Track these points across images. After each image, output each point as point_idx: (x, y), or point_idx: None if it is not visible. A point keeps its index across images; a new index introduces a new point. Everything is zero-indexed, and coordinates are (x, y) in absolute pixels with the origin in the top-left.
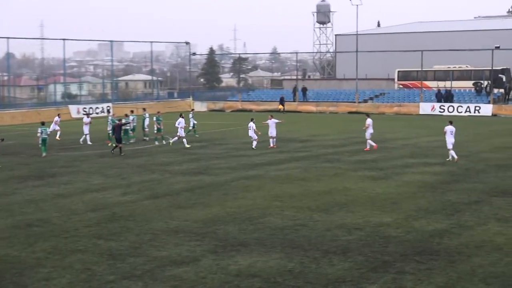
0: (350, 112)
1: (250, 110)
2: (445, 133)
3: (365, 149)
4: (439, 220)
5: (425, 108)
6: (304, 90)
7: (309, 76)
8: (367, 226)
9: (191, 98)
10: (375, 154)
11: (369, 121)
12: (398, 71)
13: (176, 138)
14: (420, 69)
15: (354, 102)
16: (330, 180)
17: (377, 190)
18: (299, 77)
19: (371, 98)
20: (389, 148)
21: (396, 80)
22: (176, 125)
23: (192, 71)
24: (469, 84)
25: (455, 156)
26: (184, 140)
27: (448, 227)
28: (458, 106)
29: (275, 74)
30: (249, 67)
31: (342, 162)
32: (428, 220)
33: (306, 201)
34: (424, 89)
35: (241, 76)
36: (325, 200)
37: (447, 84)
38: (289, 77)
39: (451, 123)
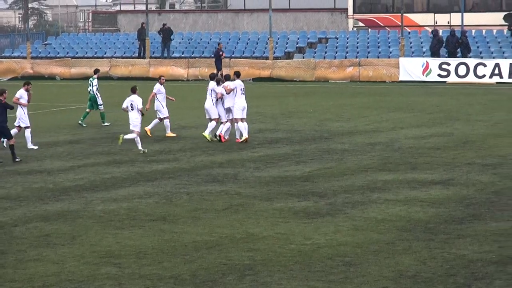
0: (257, 79)
1: (53, 78)
2: (229, 92)
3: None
4: None
5: (411, 68)
6: (166, 33)
7: (172, 6)
8: None
9: None
10: (310, 164)
11: (236, 83)
12: None
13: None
14: None
15: (266, 59)
16: (219, 219)
17: (314, 238)
18: (153, 7)
19: (300, 51)
20: (338, 151)
21: (350, 12)
22: None
23: None
24: (497, 18)
25: (246, 135)
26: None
27: None
28: (478, 65)
29: (103, 1)
30: None
31: (243, 181)
32: None
33: (170, 263)
34: (408, 30)
35: (30, 6)
36: (209, 261)
37: (455, 19)
38: (130, 9)
39: (238, 76)
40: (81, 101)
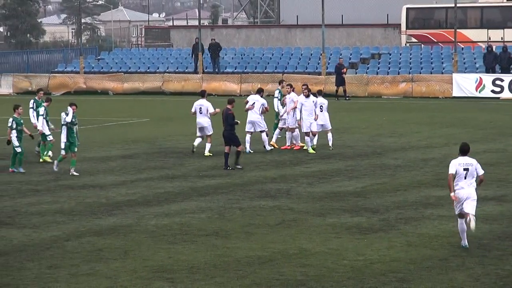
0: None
1: (106, 92)
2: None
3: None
4: None
5: (464, 84)
6: (215, 49)
7: (225, 21)
8: None
9: None
10: (362, 179)
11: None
12: (408, 10)
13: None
14: (450, 5)
15: (319, 74)
16: (272, 234)
17: (367, 254)
18: (205, 23)
19: (352, 66)
20: (391, 167)
21: (403, 28)
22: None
23: None
24: None
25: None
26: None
27: None
28: None
29: (155, 16)
30: (100, 3)
31: (296, 196)
32: None
33: (223, 278)
34: (461, 45)
35: (84, 21)
36: (262, 276)
37: (508, 35)
38: (183, 24)
39: (258, 92)
40: (134, 115)
